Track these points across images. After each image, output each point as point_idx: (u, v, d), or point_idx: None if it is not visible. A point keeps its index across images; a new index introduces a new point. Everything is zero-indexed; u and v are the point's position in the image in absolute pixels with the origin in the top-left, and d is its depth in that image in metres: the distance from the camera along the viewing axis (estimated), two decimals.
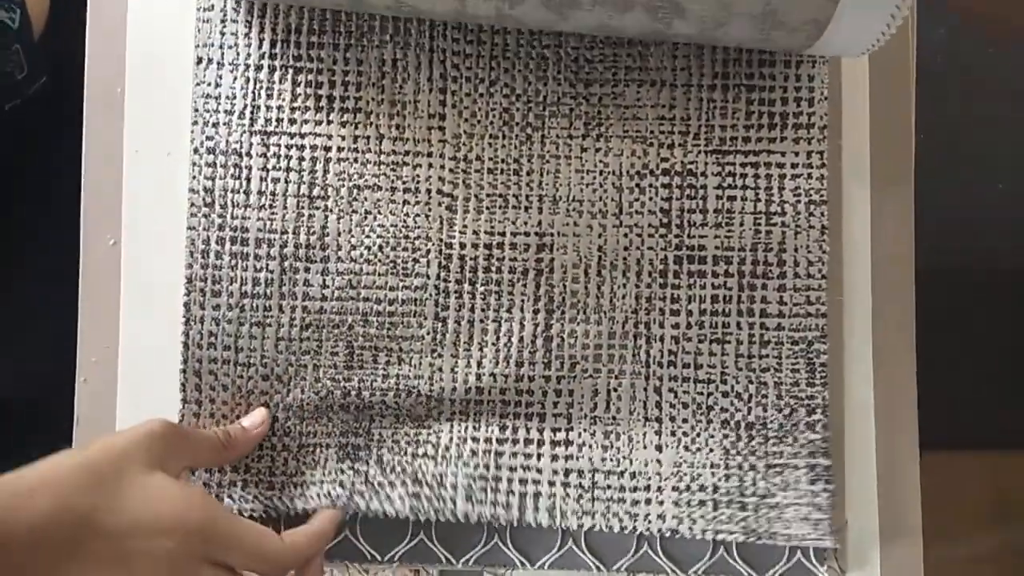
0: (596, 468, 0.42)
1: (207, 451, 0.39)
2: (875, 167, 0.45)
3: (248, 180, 0.43)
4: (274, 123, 0.43)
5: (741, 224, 0.43)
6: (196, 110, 0.43)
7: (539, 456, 0.42)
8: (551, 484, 0.42)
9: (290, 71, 0.43)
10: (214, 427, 0.42)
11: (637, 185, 0.43)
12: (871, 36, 0.36)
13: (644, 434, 0.42)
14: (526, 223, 0.43)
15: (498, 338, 0.42)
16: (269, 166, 0.43)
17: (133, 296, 0.44)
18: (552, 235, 0.43)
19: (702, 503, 0.41)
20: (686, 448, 0.42)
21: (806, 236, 0.43)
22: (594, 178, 0.43)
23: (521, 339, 0.42)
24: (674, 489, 0.42)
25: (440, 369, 0.42)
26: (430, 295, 0.42)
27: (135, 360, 0.44)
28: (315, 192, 0.42)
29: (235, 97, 0.43)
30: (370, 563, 0.43)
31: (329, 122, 0.43)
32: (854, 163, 0.45)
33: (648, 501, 0.42)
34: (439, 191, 0.43)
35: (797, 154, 0.43)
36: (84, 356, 0.44)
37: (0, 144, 0.55)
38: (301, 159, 0.43)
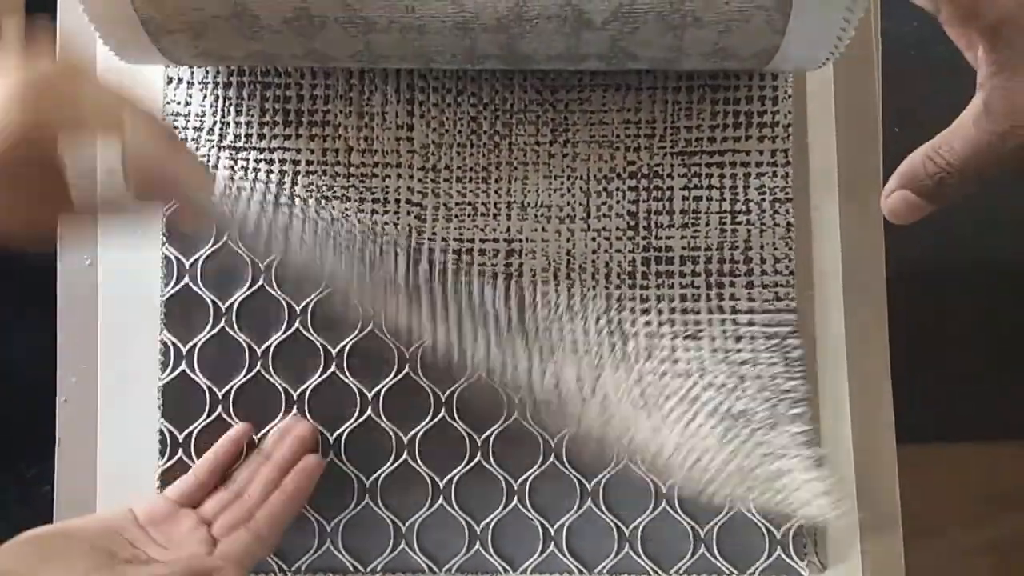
0: None
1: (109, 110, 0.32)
2: (842, 162, 0.46)
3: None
4: (243, 139, 0.43)
5: (707, 224, 0.43)
6: None
7: None
8: None
9: (258, 87, 0.44)
10: None
11: (604, 189, 0.43)
12: (825, 50, 0.36)
13: (636, 418, 0.42)
14: (495, 230, 0.43)
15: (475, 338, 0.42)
16: (236, 179, 0.43)
17: (110, 315, 0.45)
18: (521, 241, 0.43)
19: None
20: (680, 433, 0.42)
21: (772, 234, 0.43)
22: (562, 183, 0.43)
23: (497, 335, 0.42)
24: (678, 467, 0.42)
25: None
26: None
27: (114, 379, 0.45)
28: (282, 203, 0.43)
29: (204, 115, 0.43)
30: (352, 574, 0.43)
31: (298, 136, 0.43)
32: (822, 159, 0.46)
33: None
34: (408, 200, 0.43)
35: (762, 152, 0.43)
36: (64, 376, 0.45)
37: None
38: (269, 172, 0.43)
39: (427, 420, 0.43)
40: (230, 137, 0.43)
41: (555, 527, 0.43)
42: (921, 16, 0.33)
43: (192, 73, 0.44)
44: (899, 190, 0.31)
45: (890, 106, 0.47)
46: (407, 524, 0.43)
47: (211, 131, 0.43)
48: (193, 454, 0.43)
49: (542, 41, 0.36)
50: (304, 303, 0.43)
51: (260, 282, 0.43)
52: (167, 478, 0.42)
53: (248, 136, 0.43)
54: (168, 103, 0.44)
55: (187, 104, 0.44)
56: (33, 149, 0.29)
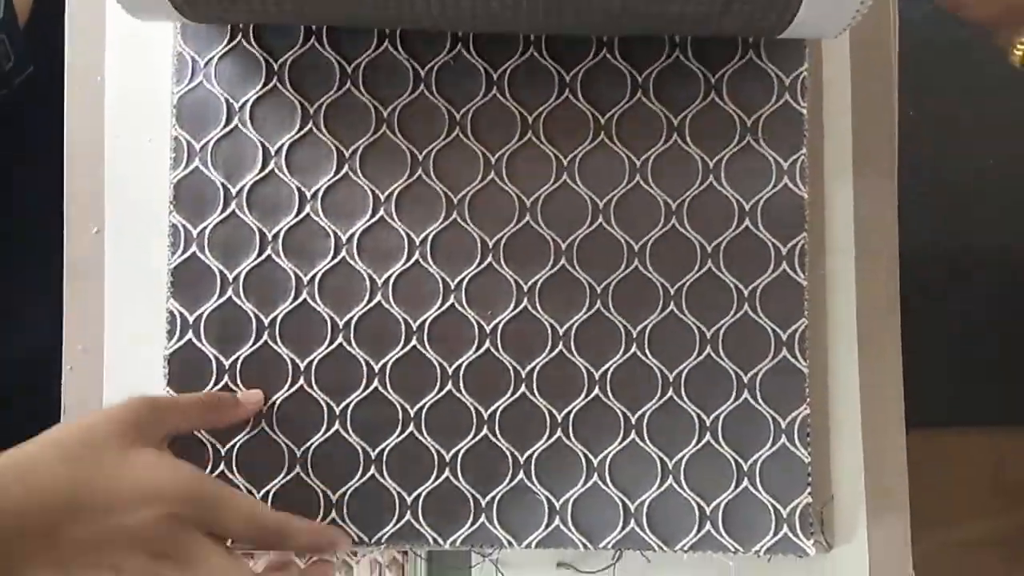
0: None
1: (194, 412, 0.39)
2: (858, 144, 0.45)
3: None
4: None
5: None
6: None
7: None
8: None
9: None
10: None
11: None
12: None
13: None
14: None
15: None
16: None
17: (118, 284, 0.45)
18: None
19: None
20: None
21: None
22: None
23: None
24: None
25: None
26: None
27: (121, 348, 0.45)
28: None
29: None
30: (357, 545, 0.43)
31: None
32: (837, 140, 0.45)
33: None
34: None
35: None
36: (70, 344, 0.45)
37: None
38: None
39: (434, 392, 0.43)
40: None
41: (560, 502, 0.43)
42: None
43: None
44: None
45: (905, 88, 0.47)
46: (411, 496, 0.43)
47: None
48: None
49: None
50: (312, 273, 0.43)
51: (268, 252, 0.43)
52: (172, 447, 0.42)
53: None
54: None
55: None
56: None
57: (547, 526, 0.43)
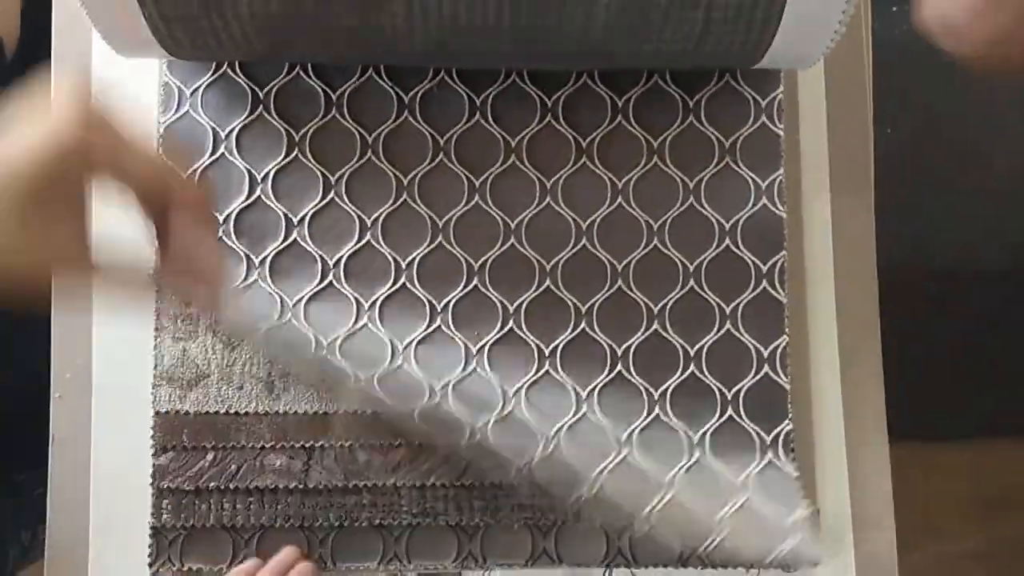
0: None
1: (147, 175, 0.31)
2: (834, 163, 0.46)
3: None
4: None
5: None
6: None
7: None
8: None
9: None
10: None
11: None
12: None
13: None
14: None
15: None
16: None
17: (105, 311, 0.45)
18: None
19: None
20: None
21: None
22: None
23: None
24: None
25: None
26: None
27: (109, 375, 0.45)
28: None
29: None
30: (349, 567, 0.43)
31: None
32: (813, 160, 0.46)
33: None
34: None
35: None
36: (58, 372, 0.45)
37: None
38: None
39: (423, 328, 0.43)
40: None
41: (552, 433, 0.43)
42: (911, 19, 0.34)
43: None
44: None
45: (881, 107, 0.48)
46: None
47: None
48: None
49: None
50: (299, 296, 0.43)
51: (255, 277, 0.43)
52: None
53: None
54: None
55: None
56: (69, 172, 0.29)
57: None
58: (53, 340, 0.45)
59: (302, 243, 0.43)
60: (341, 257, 0.43)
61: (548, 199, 0.44)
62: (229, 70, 0.44)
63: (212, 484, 0.42)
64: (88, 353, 0.45)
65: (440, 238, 0.43)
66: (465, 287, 0.43)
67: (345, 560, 0.43)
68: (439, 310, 0.43)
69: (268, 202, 0.43)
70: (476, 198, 0.44)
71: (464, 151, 0.44)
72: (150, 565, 0.42)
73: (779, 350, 0.43)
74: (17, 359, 0.52)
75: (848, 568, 0.44)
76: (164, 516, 0.42)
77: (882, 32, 0.50)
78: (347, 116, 0.44)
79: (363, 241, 0.43)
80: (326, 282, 0.43)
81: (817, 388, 0.45)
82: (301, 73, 0.44)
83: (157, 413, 0.43)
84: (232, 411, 0.43)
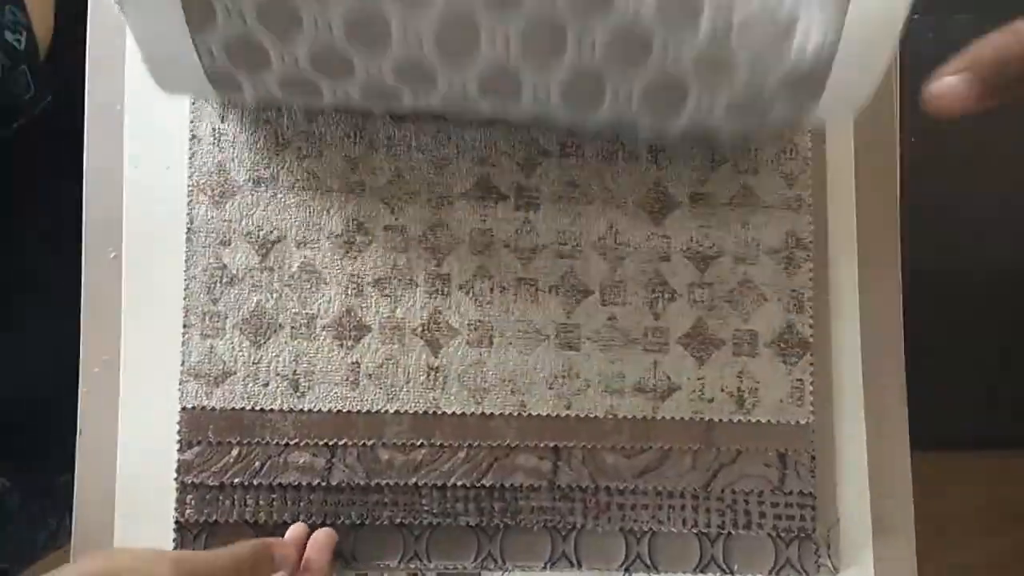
0: None
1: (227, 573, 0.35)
2: (860, 169, 0.46)
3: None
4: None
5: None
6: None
7: None
8: None
9: None
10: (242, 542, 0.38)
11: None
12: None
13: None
14: None
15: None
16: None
17: (134, 307, 0.45)
18: None
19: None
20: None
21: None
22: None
23: None
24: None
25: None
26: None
27: (136, 371, 0.45)
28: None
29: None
30: (368, 567, 0.43)
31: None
32: (839, 166, 0.46)
33: None
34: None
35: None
36: (86, 367, 0.45)
37: (8, 161, 0.57)
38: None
39: None
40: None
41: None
42: (937, 26, 0.34)
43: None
44: (957, 73, 0.27)
45: (906, 115, 0.48)
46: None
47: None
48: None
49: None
50: None
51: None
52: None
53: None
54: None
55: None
56: None
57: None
58: (82, 335, 0.45)
59: None
60: None
61: None
62: None
63: (236, 480, 0.43)
64: (116, 348, 0.45)
65: None
66: None
67: (366, 558, 0.43)
68: None
69: None
70: None
71: None
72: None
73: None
74: (45, 354, 0.53)
75: (867, 574, 0.44)
76: (188, 511, 0.43)
77: (909, 39, 0.49)
78: None
79: None
80: None
81: (839, 399, 0.45)
82: None
83: (183, 408, 0.43)
84: (257, 408, 0.43)
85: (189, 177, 0.44)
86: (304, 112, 0.44)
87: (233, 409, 0.43)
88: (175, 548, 0.43)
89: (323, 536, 0.42)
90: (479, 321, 0.43)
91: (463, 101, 0.37)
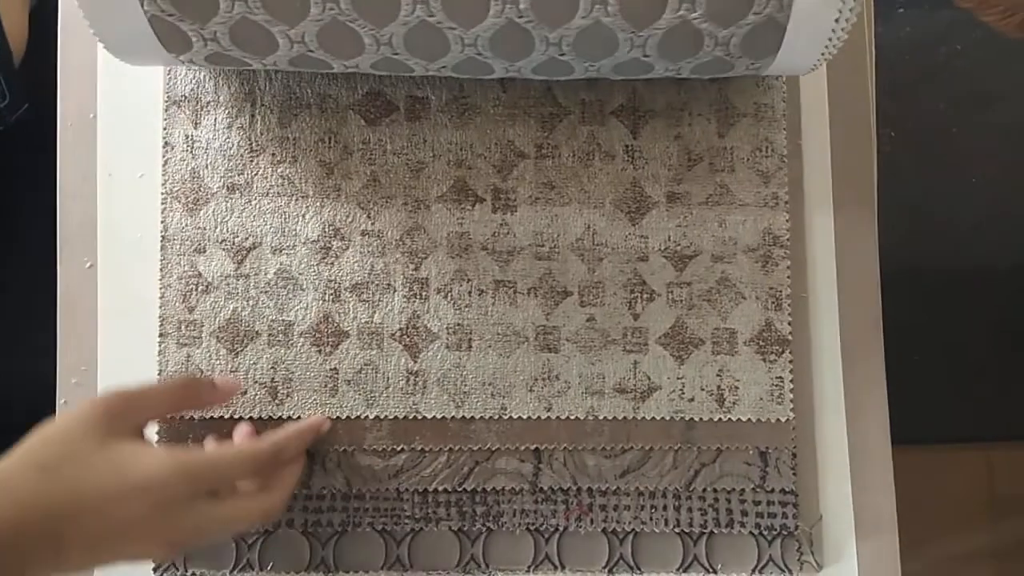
0: None
1: (167, 398, 0.37)
2: (836, 166, 0.46)
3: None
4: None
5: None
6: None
7: None
8: None
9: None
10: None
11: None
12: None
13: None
14: None
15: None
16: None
17: (111, 317, 0.45)
18: None
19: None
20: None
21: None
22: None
23: None
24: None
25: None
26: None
27: (114, 381, 0.45)
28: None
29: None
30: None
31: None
32: (816, 164, 0.46)
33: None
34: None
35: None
36: (63, 378, 0.45)
37: None
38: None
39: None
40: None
41: None
42: (914, 21, 0.34)
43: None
44: None
45: (885, 111, 0.48)
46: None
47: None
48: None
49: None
50: None
51: None
52: None
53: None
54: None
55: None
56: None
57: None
58: (58, 345, 0.45)
59: None
60: None
61: None
62: None
63: None
64: (94, 359, 0.45)
65: None
66: None
67: (348, 565, 0.43)
68: None
69: None
70: None
71: None
72: (154, 570, 0.43)
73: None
74: (21, 365, 0.52)
75: (851, 573, 0.44)
76: None
77: (885, 35, 0.50)
78: None
79: None
80: None
81: (819, 394, 0.45)
82: None
83: (161, 418, 0.43)
84: (236, 416, 0.43)
85: (163, 184, 0.44)
86: (278, 117, 0.44)
87: (211, 418, 0.43)
88: (158, 567, 0.43)
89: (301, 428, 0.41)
90: (458, 325, 0.43)
91: (476, 59, 0.37)
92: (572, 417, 0.43)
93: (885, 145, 0.47)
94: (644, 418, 0.43)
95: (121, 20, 0.35)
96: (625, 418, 0.43)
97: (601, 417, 0.43)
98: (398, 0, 0.34)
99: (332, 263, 0.44)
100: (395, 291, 0.43)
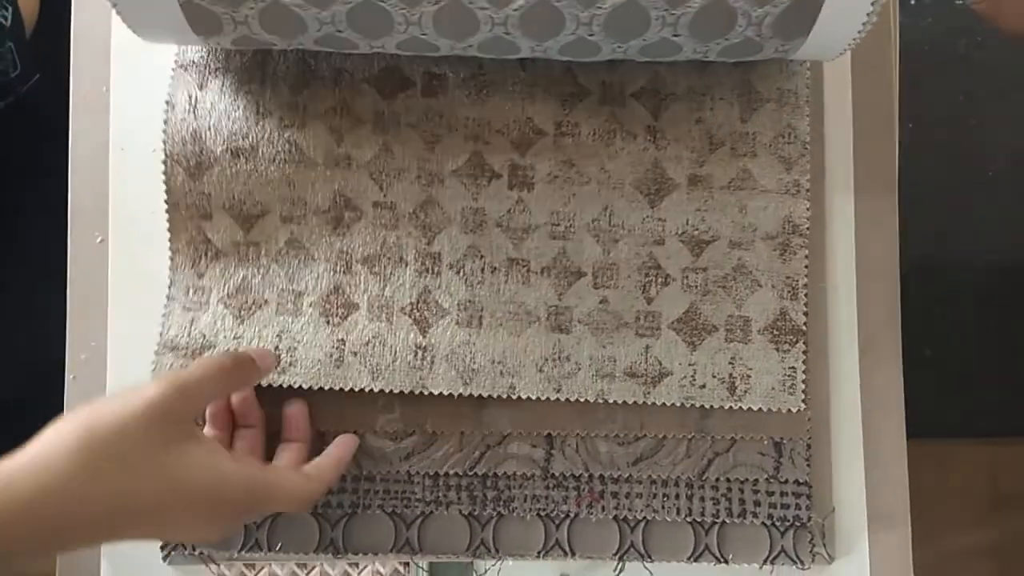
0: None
1: (219, 383, 0.35)
2: (858, 159, 0.46)
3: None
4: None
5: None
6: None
7: None
8: None
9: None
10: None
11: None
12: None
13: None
14: None
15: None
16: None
17: (121, 293, 0.45)
18: None
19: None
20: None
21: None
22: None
23: None
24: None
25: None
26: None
27: (124, 357, 0.45)
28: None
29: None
30: (360, 557, 0.43)
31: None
32: (837, 155, 0.45)
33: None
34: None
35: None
36: (73, 354, 0.45)
37: None
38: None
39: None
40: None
41: None
42: (935, 12, 0.33)
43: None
44: None
45: (904, 102, 0.47)
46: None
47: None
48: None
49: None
50: None
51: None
52: None
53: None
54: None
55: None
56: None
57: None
58: (68, 321, 0.45)
59: None
60: None
61: None
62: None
63: None
64: (103, 335, 0.45)
65: None
66: None
67: (357, 547, 0.43)
68: None
69: None
70: None
71: None
72: (162, 548, 0.43)
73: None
74: (30, 340, 0.52)
75: (863, 566, 0.44)
76: None
77: (905, 26, 0.49)
78: None
79: None
80: None
81: (835, 386, 0.45)
82: None
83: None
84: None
85: (163, 144, 0.43)
86: (290, 85, 0.43)
87: None
88: (166, 548, 0.42)
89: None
90: (469, 301, 0.43)
91: (503, 39, 0.37)
92: (582, 400, 0.42)
93: (903, 137, 0.46)
94: (655, 404, 0.42)
95: (151, 4, 0.35)
96: (636, 403, 0.42)
97: (611, 401, 0.42)
98: None
99: (344, 234, 0.43)
100: (407, 265, 0.43)
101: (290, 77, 0.43)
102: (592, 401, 0.42)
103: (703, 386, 0.42)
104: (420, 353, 0.42)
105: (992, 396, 0.88)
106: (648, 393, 0.42)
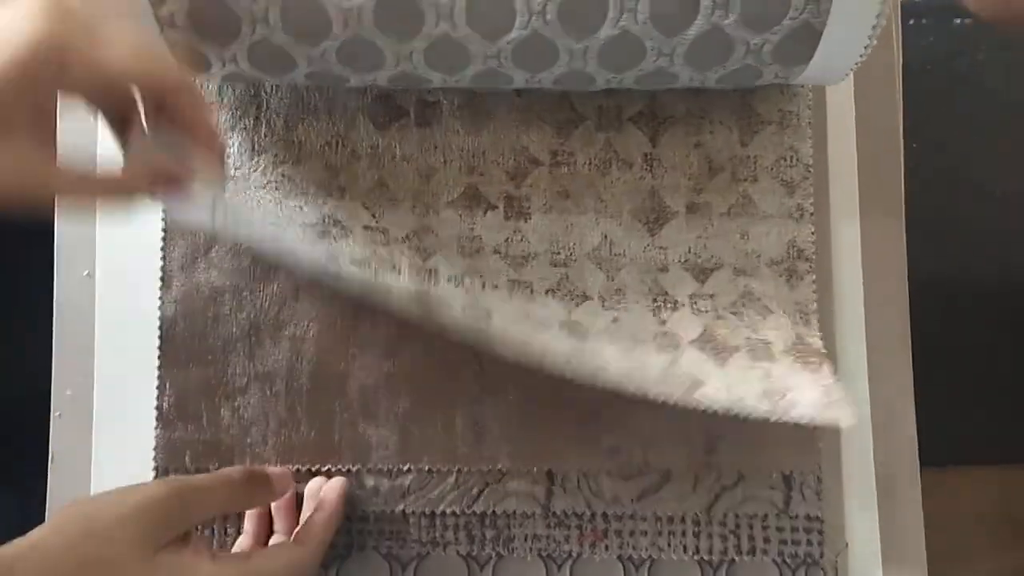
0: None
1: (223, 498, 0.34)
2: (863, 178, 0.44)
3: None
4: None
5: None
6: None
7: None
8: None
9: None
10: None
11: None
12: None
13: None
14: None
15: None
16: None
17: (108, 328, 0.44)
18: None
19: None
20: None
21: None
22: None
23: None
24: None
25: None
26: None
27: (110, 394, 0.43)
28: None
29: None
30: None
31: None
32: (842, 175, 0.44)
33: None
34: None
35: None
36: (59, 389, 0.44)
37: None
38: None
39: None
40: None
41: None
42: (937, 31, 0.33)
43: None
44: None
45: (908, 120, 0.46)
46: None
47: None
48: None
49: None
50: None
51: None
52: None
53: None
54: None
55: None
56: (44, 71, 0.27)
57: None
58: (54, 356, 0.44)
59: None
60: None
61: None
62: None
63: None
64: (90, 371, 0.43)
65: None
66: None
67: None
68: None
69: None
70: None
71: None
72: None
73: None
74: (17, 375, 0.51)
75: None
76: None
77: (907, 45, 0.48)
78: None
79: None
80: None
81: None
82: None
83: (159, 435, 0.41)
84: (234, 432, 0.41)
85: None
86: (284, 120, 0.42)
87: (212, 436, 0.41)
88: None
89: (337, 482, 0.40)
90: (472, 307, 0.41)
91: (497, 71, 0.36)
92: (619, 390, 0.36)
93: (908, 157, 0.45)
94: (696, 406, 0.36)
95: None
96: (641, 434, 0.40)
97: (650, 397, 0.36)
98: (421, 16, 0.33)
99: (331, 245, 0.41)
100: (401, 273, 0.40)
101: (283, 111, 0.42)
102: (630, 392, 0.37)
103: (741, 398, 0.40)
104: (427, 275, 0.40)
105: (1009, 422, 0.86)
106: (689, 393, 0.37)
